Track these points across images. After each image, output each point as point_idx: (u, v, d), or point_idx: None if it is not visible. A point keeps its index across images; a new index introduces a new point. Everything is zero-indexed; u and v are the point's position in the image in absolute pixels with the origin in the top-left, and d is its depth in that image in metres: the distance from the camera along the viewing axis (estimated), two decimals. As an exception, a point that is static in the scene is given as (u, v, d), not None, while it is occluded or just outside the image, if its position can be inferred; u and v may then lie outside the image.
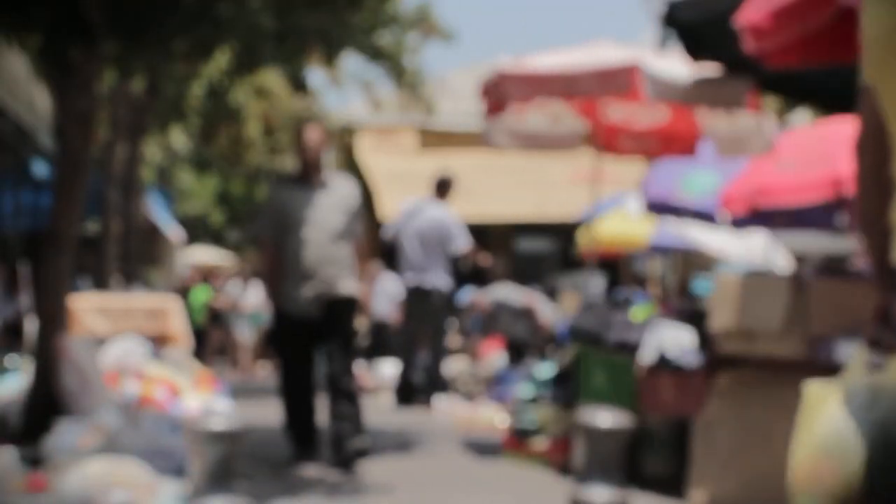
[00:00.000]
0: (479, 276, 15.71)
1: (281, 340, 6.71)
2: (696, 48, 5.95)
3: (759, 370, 5.63)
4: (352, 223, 6.54)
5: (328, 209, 6.49)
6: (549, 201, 18.16)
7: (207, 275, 19.49)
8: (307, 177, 6.59)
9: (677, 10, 5.78)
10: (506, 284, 11.49)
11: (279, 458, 6.89)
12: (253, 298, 16.81)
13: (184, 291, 16.92)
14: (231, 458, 4.21)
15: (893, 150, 1.72)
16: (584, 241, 13.03)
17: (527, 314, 11.00)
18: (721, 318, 5.81)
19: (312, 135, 6.65)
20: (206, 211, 26.70)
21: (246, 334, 16.76)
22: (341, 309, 6.46)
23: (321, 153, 6.67)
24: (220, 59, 12.60)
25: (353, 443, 6.32)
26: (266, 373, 16.77)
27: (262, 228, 6.70)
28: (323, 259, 6.39)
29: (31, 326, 9.16)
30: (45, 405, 5.95)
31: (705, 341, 6.02)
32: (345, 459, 6.31)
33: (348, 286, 6.46)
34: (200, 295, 17.52)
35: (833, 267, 7.60)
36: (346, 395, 6.43)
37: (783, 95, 7.44)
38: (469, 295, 14.70)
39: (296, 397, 6.53)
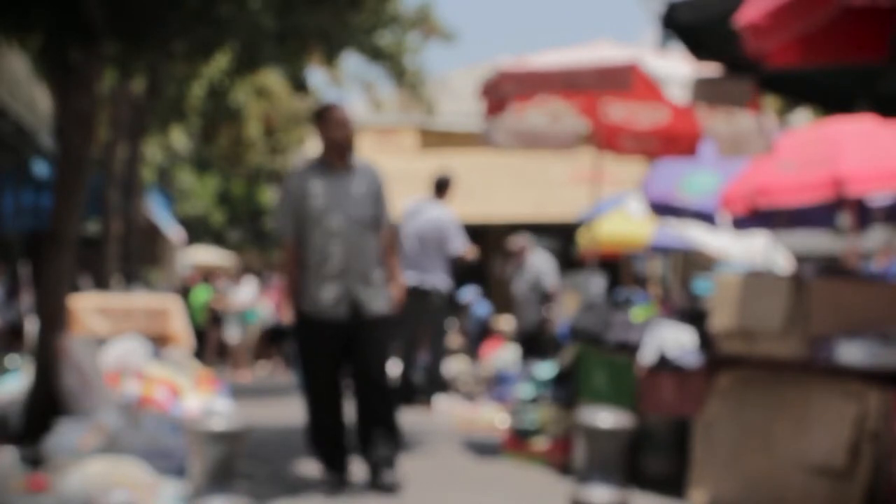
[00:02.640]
0: (478, 276, 15.74)
1: (305, 346, 5.96)
2: (696, 49, 5.95)
3: (759, 370, 5.63)
4: (379, 213, 6.00)
5: (355, 198, 5.93)
6: (549, 201, 18.17)
7: (208, 275, 19.49)
8: (332, 162, 5.99)
9: (677, 10, 5.78)
10: (550, 261, 11.34)
11: (279, 458, 6.89)
12: (244, 297, 16.72)
13: (185, 291, 16.92)
14: (231, 458, 4.21)
15: None
16: (584, 241, 13.04)
17: (545, 299, 10.97)
18: (721, 318, 5.81)
19: (339, 114, 6.02)
20: (206, 211, 26.72)
21: (237, 334, 16.59)
22: (374, 328, 5.90)
23: (350, 136, 6.01)
24: (221, 60, 12.64)
25: (385, 474, 5.86)
26: (265, 373, 16.76)
27: (282, 227, 5.99)
28: (351, 253, 5.84)
29: (31, 326, 9.17)
30: (46, 405, 5.96)
31: (705, 341, 6.02)
32: (377, 485, 5.89)
33: (379, 302, 5.92)
34: (201, 295, 17.49)
35: (833, 267, 7.60)
36: (375, 424, 5.93)
37: (783, 95, 7.44)
38: (470, 294, 14.73)
39: (323, 409, 5.95)
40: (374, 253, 5.92)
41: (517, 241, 11.31)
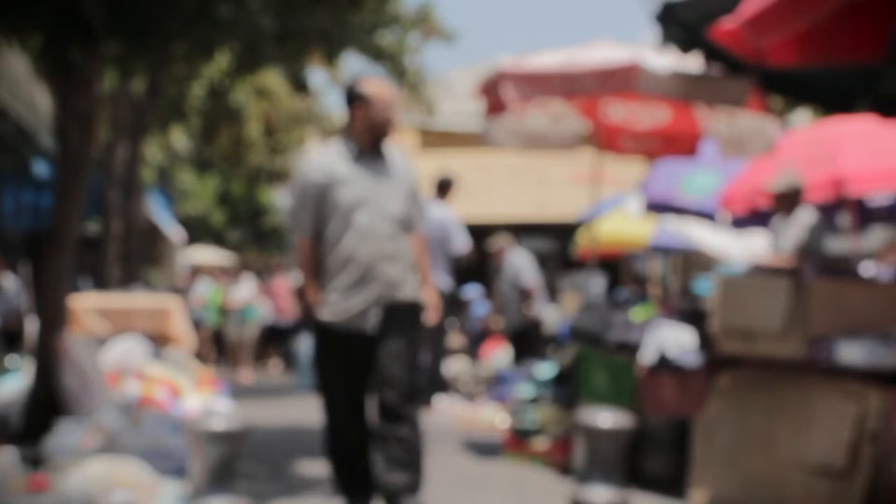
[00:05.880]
0: (479, 275, 15.74)
1: (325, 362, 5.05)
2: (695, 48, 5.96)
3: (759, 370, 5.63)
4: (413, 212, 5.14)
5: (390, 192, 5.02)
6: (549, 201, 18.18)
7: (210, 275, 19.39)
8: (365, 149, 5.03)
9: (676, 9, 5.79)
10: (529, 259, 11.36)
11: (279, 458, 6.89)
12: (243, 294, 16.60)
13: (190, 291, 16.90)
14: (232, 458, 4.21)
15: None
16: (584, 241, 13.04)
17: (525, 295, 10.99)
18: (721, 318, 5.81)
19: (386, 91, 5.03)
20: (206, 211, 26.71)
21: (237, 332, 16.41)
22: (403, 317, 4.97)
23: (394, 119, 5.05)
24: (221, 60, 12.62)
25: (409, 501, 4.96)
26: (264, 373, 16.73)
27: (297, 221, 5.02)
28: (382, 255, 4.94)
29: (31, 326, 9.17)
30: (46, 405, 5.96)
31: (705, 341, 6.02)
32: None
33: (411, 289, 5.02)
34: (213, 296, 17.33)
35: (833, 267, 7.60)
36: (400, 437, 4.95)
37: (783, 95, 7.45)
38: (471, 293, 14.73)
39: (346, 439, 5.04)
40: (408, 257, 5.05)
41: (495, 242, 11.34)
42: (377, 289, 4.92)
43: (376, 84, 5.04)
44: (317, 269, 5.00)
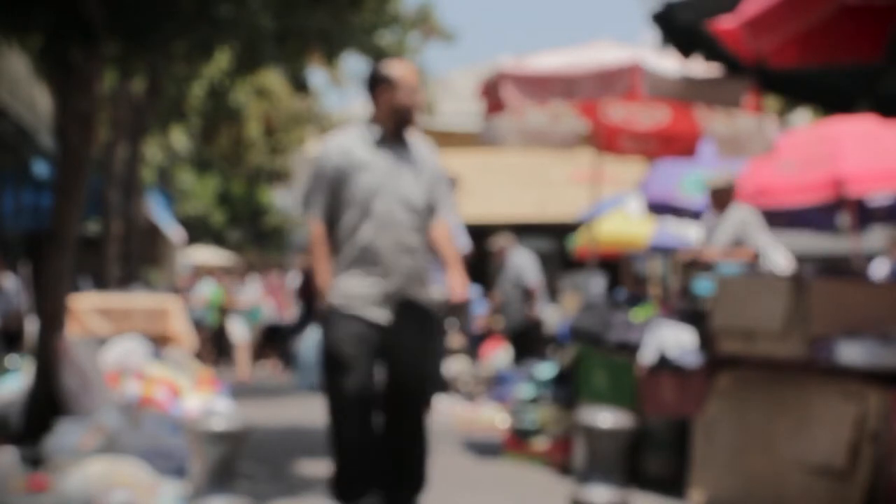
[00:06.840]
0: (479, 275, 15.74)
1: (333, 357, 4.70)
2: (693, 48, 5.96)
3: (759, 370, 5.63)
4: (435, 201, 4.88)
5: (410, 180, 4.80)
6: (549, 201, 18.19)
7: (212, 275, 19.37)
8: (390, 135, 4.82)
9: (675, 10, 5.79)
10: (531, 259, 11.33)
11: (279, 458, 6.89)
12: (251, 294, 16.62)
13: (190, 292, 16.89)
14: (231, 458, 4.21)
15: None
16: (584, 241, 13.04)
17: (527, 295, 10.99)
18: (721, 318, 5.81)
19: (411, 76, 4.82)
20: (206, 211, 26.71)
21: (241, 333, 16.38)
22: (419, 318, 4.79)
23: (418, 105, 4.86)
24: (221, 60, 12.64)
25: None
26: (264, 373, 16.74)
27: (311, 204, 4.79)
28: (401, 247, 4.73)
29: (31, 326, 9.17)
30: (46, 405, 5.96)
31: (705, 341, 6.02)
32: None
33: (429, 287, 4.84)
34: (213, 296, 17.33)
35: (833, 267, 7.62)
36: (404, 451, 4.75)
37: (783, 95, 7.45)
38: (471, 293, 14.74)
39: (348, 426, 4.69)
40: (425, 249, 4.84)
41: (497, 242, 11.33)
42: (396, 281, 4.71)
43: (403, 67, 4.85)
44: (329, 253, 4.77)
